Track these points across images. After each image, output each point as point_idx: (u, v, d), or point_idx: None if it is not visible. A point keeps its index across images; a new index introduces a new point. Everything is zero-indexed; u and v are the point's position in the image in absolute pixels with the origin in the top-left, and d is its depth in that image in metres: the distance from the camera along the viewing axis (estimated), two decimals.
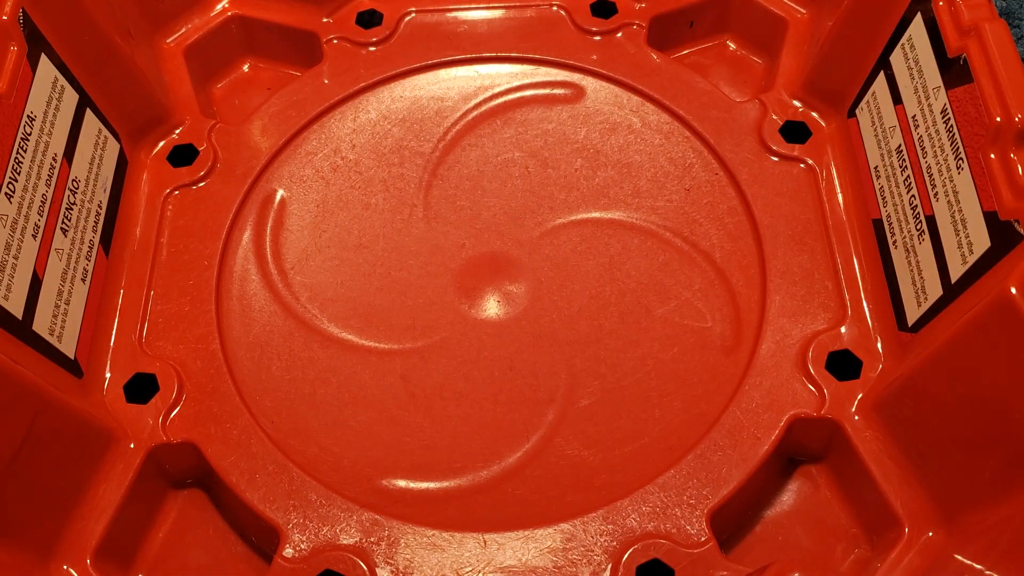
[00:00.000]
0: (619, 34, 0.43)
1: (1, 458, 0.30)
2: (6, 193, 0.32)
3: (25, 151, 0.34)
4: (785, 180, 0.39)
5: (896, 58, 0.36)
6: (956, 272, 0.31)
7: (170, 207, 0.40)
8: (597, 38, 0.43)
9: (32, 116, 0.34)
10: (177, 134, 0.41)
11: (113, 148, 0.39)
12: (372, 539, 0.32)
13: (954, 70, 0.33)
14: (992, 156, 0.30)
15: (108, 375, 0.35)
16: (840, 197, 0.38)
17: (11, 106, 0.33)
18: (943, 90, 0.33)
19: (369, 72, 0.43)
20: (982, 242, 0.30)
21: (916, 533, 0.31)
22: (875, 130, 0.37)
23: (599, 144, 0.41)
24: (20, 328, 0.32)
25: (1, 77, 0.33)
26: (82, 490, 0.33)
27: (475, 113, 0.42)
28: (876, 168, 0.37)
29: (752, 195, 0.39)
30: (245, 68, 0.46)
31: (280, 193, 0.40)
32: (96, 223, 0.37)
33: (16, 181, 0.33)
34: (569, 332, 0.37)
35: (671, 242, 0.39)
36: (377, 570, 0.32)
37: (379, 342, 0.37)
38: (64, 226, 0.35)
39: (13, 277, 0.32)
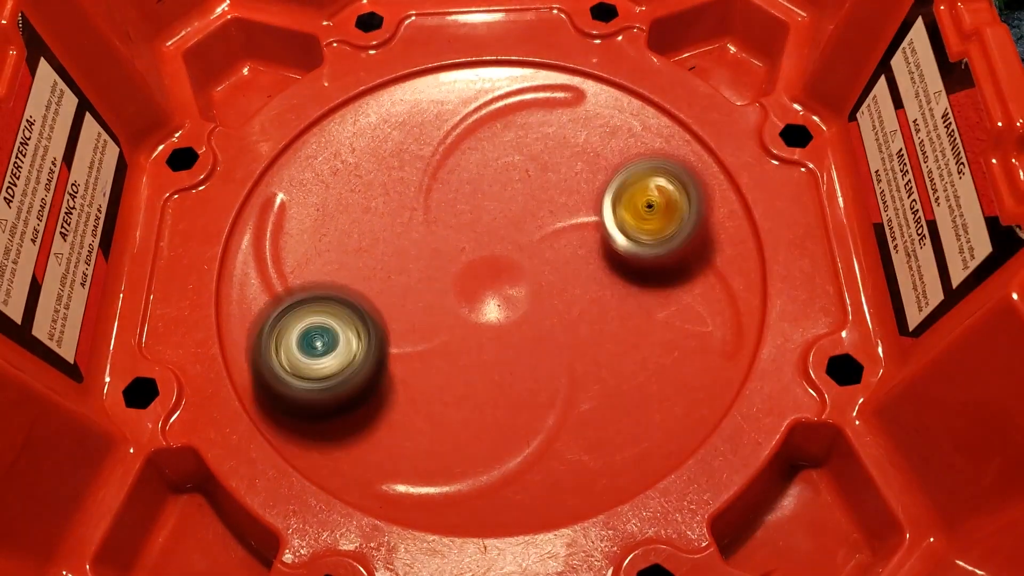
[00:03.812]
0: (619, 37, 0.43)
1: (0, 463, 0.30)
2: (5, 198, 0.32)
3: (24, 155, 0.34)
4: (786, 184, 0.39)
5: (897, 62, 0.36)
6: (957, 277, 0.31)
7: (170, 211, 0.39)
8: (597, 41, 0.43)
9: (31, 120, 0.34)
10: (177, 138, 0.41)
11: (112, 152, 0.39)
12: (372, 544, 0.32)
13: (955, 74, 0.33)
14: (993, 161, 0.30)
15: (108, 380, 0.35)
16: (841, 201, 0.38)
17: (10, 110, 0.33)
18: (944, 94, 0.33)
19: (369, 75, 0.43)
20: (983, 247, 0.30)
21: (917, 539, 0.31)
22: (876, 134, 0.37)
23: (599, 148, 0.41)
24: (19, 333, 0.32)
25: (0, 81, 0.33)
26: (81, 495, 0.33)
27: (475, 117, 0.42)
28: (877, 172, 0.37)
29: (753, 199, 0.39)
30: (245, 71, 0.46)
31: (280, 197, 0.40)
32: (95, 227, 0.37)
33: (15, 186, 0.33)
34: (569, 336, 0.37)
35: None
36: (377, 575, 0.31)
37: None
38: (63, 230, 0.35)
39: (12, 282, 0.32)
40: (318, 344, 0.33)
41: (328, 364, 0.33)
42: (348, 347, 0.33)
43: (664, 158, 0.37)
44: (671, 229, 0.36)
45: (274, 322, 0.33)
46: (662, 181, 0.36)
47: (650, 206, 0.36)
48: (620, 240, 0.36)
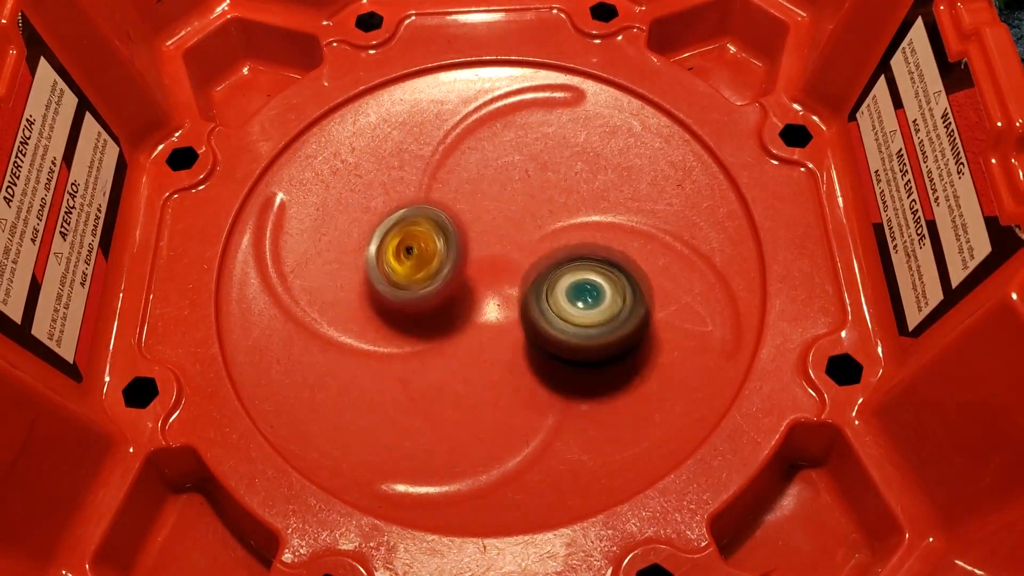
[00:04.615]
0: (619, 37, 0.43)
1: (0, 462, 0.30)
2: (5, 197, 0.32)
3: (24, 155, 0.34)
4: (785, 184, 0.39)
5: (897, 62, 0.36)
6: (957, 277, 0.31)
7: (169, 210, 0.39)
8: (597, 41, 0.43)
9: (31, 120, 0.34)
10: (176, 137, 0.41)
11: (112, 151, 0.39)
12: (371, 544, 0.32)
13: (955, 74, 0.33)
14: (993, 161, 0.30)
15: (107, 379, 0.35)
16: (840, 201, 0.38)
17: (10, 110, 0.33)
18: (944, 94, 0.33)
19: (369, 75, 0.43)
20: (983, 247, 0.30)
21: (917, 539, 0.31)
22: (876, 134, 0.37)
23: (599, 147, 0.41)
24: (19, 332, 0.32)
25: (0, 81, 0.33)
26: (81, 494, 0.33)
27: (475, 116, 0.42)
28: (877, 172, 0.37)
29: (752, 199, 0.39)
30: (245, 71, 0.46)
31: (280, 196, 0.40)
32: (95, 227, 0.37)
33: (15, 185, 0.33)
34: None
35: (671, 246, 0.38)
36: (376, 575, 0.31)
37: (378, 346, 0.37)
38: (63, 230, 0.35)
39: (12, 281, 0.32)
40: (587, 297, 0.34)
41: (594, 315, 0.34)
42: (614, 304, 0.34)
43: (441, 209, 0.36)
44: (422, 276, 0.35)
45: (550, 273, 0.35)
46: (424, 228, 0.36)
47: (409, 250, 0.36)
48: (376, 278, 0.36)
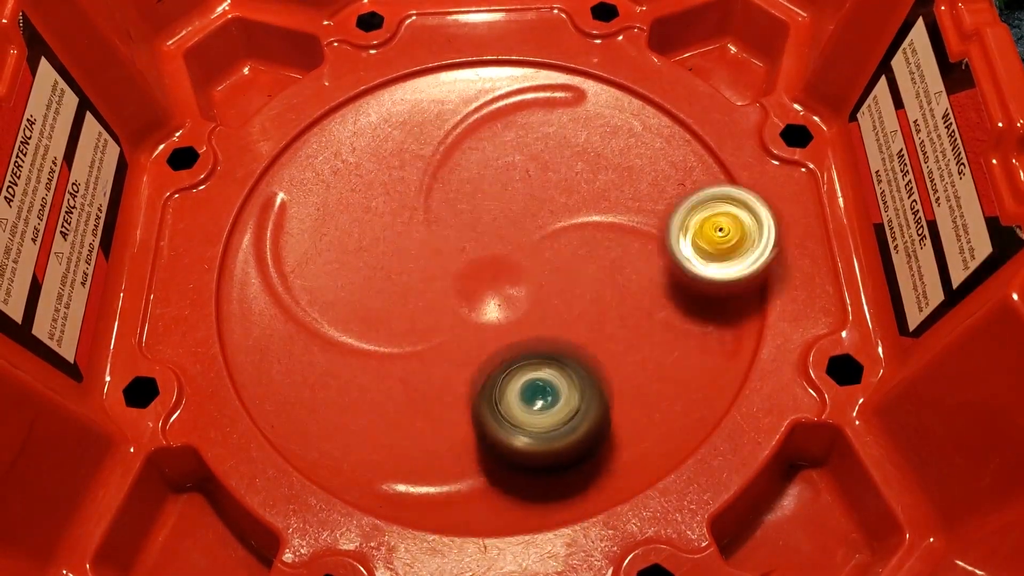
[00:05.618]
0: (620, 37, 0.43)
1: (1, 462, 0.30)
2: (6, 197, 0.32)
3: (25, 155, 0.34)
4: (786, 184, 0.39)
5: (898, 62, 0.36)
6: (957, 277, 0.31)
7: (170, 210, 0.39)
8: (598, 41, 0.43)
9: (32, 120, 0.34)
10: (177, 137, 0.41)
11: (113, 151, 0.39)
12: (372, 544, 0.32)
13: (956, 75, 0.33)
14: (994, 161, 0.30)
15: (108, 379, 0.35)
16: (841, 201, 0.38)
17: (11, 110, 0.33)
18: (945, 95, 0.33)
19: (369, 75, 0.43)
20: (983, 247, 0.30)
21: (917, 539, 0.31)
22: (876, 134, 0.37)
23: (600, 147, 0.41)
24: (20, 332, 0.32)
25: (1, 81, 0.33)
26: (81, 494, 0.33)
27: (476, 116, 0.42)
28: (877, 172, 0.37)
29: None
30: (245, 71, 0.46)
31: (280, 196, 0.40)
32: (96, 227, 0.37)
33: (16, 185, 0.33)
34: (569, 336, 0.37)
35: None
36: (377, 575, 0.31)
37: (379, 346, 0.37)
38: (64, 230, 0.35)
39: (13, 281, 0.32)
40: (539, 399, 0.32)
41: (547, 419, 0.32)
42: (568, 404, 0.32)
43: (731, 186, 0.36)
44: (744, 255, 0.35)
45: (501, 374, 0.33)
46: (730, 208, 0.35)
47: (720, 230, 0.35)
48: (698, 267, 0.35)
